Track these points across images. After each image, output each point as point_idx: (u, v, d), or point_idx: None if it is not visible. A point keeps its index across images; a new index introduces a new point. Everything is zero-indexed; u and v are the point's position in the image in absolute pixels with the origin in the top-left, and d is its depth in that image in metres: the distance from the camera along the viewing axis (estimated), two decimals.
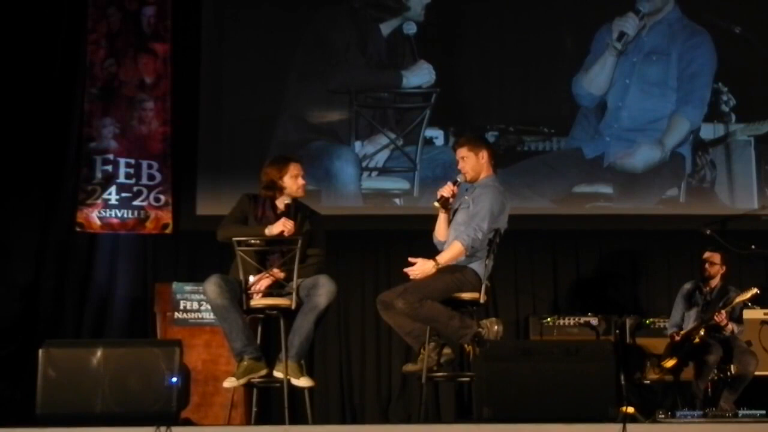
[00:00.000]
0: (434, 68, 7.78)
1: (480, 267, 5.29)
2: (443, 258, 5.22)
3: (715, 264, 6.81)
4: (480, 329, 5.19)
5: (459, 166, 5.46)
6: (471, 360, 5.36)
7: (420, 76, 7.80)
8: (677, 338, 6.70)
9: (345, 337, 7.52)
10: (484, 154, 5.44)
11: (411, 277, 5.23)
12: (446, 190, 5.34)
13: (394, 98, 7.85)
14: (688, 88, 7.80)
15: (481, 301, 5.32)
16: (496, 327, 5.21)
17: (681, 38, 7.86)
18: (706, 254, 6.83)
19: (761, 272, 7.39)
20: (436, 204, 5.39)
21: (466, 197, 5.44)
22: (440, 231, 5.49)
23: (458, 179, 5.40)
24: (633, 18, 7.85)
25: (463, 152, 5.44)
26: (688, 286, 6.92)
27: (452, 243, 5.25)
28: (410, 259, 5.25)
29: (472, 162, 5.41)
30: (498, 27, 7.87)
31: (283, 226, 5.15)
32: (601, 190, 7.73)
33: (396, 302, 5.15)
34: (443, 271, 5.26)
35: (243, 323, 5.06)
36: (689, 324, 6.75)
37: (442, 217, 5.48)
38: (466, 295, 5.28)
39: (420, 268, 5.20)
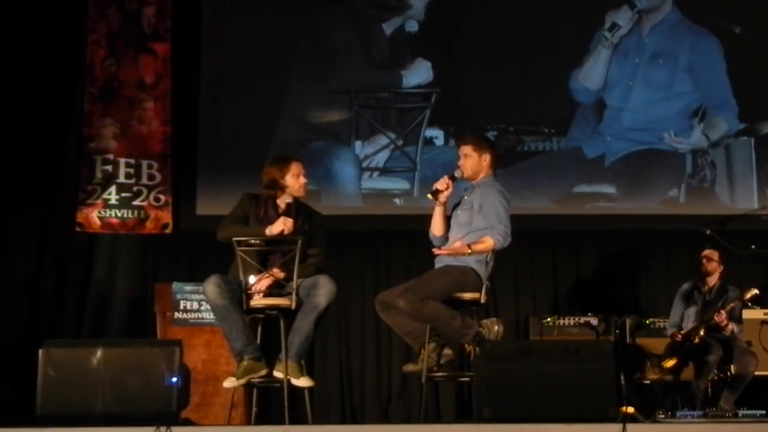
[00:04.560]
0: (434, 68, 7.77)
1: (481, 267, 5.29)
2: (476, 247, 5.20)
3: (712, 261, 6.78)
4: (480, 329, 5.19)
5: (459, 162, 5.47)
6: (471, 360, 5.36)
7: (418, 74, 7.79)
8: (679, 338, 6.69)
9: (345, 337, 7.52)
10: (487, 157, 5.45)
11: (443, 255, 5.25)
12: (441, 184, 5.36)
13: (394, 98, 7.85)
14: (719, 96, 7.77)
15: (482, 301, 5.32)
16: (496, 327, 5.22)
17: (688, 42, 7.84)
18: (705, 251, 6.82)
19: (761, 272, 7.38)
20: (429, 196, 5.41)
21: (465, 197, 5.45)
22: (436, 226, 5.49)
23: (455, 174, 5.42)
24: (626, 10, 7.84)
25: (467, 150, 5.45)
26: (686, 286, 6.92)
27: (485, 238, 5.22)
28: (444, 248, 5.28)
29: (474, 161, 5.42)
30: (498, 27, 7.87)
31: (282, 225, 5.14)
32: (602, 190, 7.72)
33: (397, 302, 5.15)
34: (444, 271, 5.27)
35: (243, 323, 5.06)
36: (688, 324, 6.75)
37: (437, 212, 5.47)
38: (467, 295, 5.28)
39: (453, 247, 5.21)
